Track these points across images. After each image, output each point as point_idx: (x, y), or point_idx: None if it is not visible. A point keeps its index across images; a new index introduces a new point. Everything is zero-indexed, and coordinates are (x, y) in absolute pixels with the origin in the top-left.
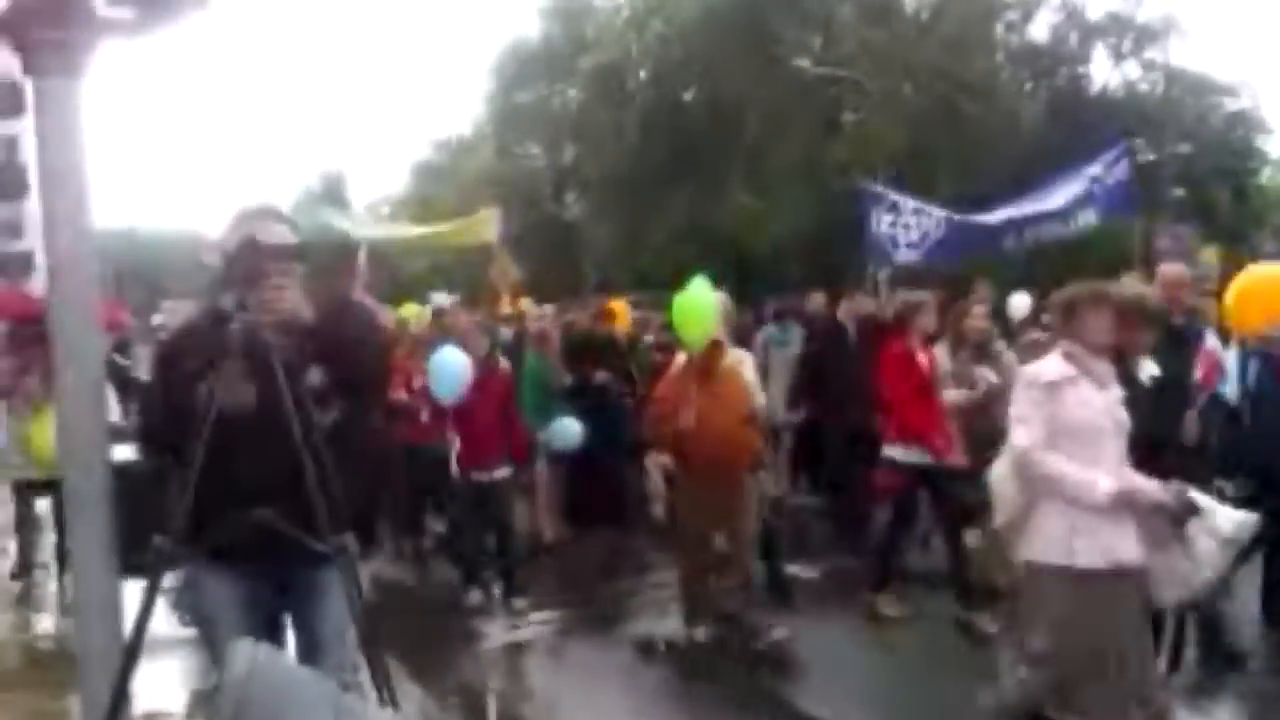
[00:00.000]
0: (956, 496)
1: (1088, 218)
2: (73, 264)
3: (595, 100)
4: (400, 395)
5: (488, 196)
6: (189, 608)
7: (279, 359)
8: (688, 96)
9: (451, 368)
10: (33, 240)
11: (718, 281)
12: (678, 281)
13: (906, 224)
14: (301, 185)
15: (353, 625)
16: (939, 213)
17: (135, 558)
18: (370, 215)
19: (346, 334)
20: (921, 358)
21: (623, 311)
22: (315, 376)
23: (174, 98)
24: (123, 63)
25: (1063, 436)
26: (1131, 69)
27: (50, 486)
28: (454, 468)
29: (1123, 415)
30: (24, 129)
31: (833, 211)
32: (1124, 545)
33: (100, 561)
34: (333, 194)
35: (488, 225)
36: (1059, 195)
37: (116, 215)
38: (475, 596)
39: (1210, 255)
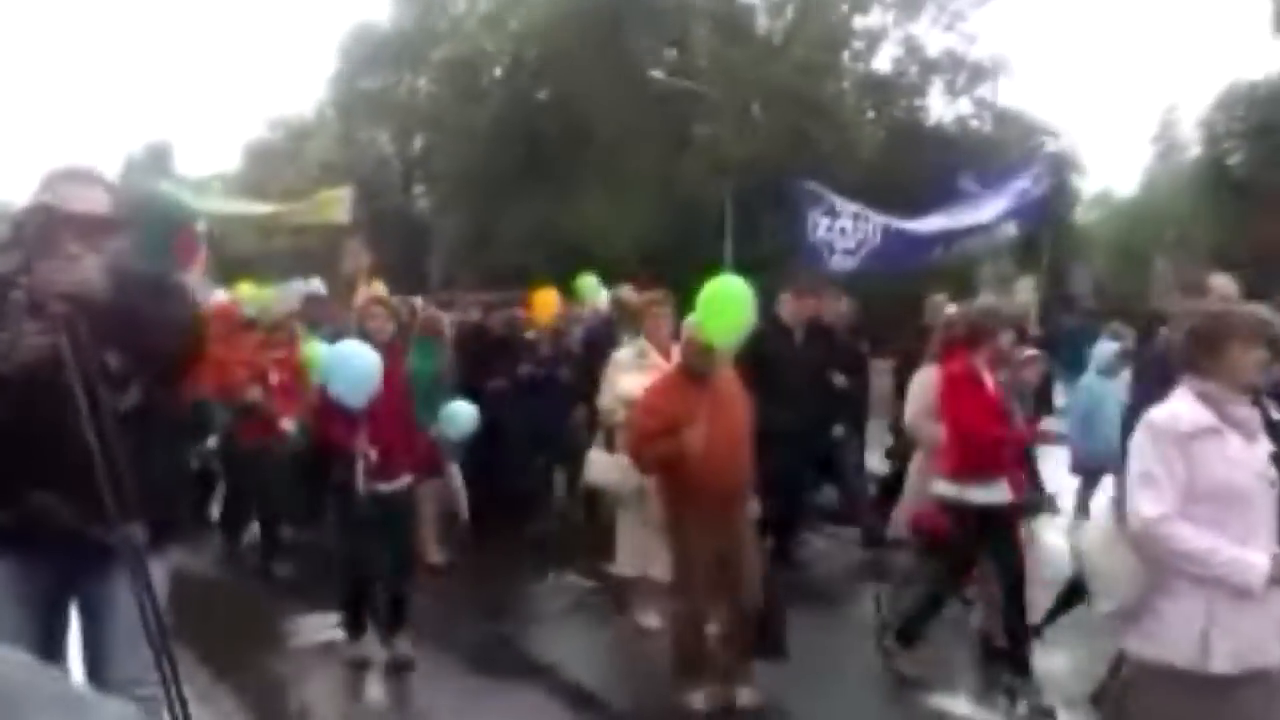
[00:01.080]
0: (1020, 547)
1: (1009, 230)
2: None
3: (447, 93)
4: (253, 392)
5: (330, 182)
6: None
7: (66, 333)
8: (542, 96)
9: (360, 365)
10: None
11: (565, 285)
12: (524, 281)
13: (843, 228)
14: (124, 153)
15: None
16: (878, 219)
17: None
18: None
19: (143, 311)
20: (988, 378)
21: (550, 303)
22: (114, 358)
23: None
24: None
25: (1202, 502)
26: (965, 105)
27: None
28: (360, 479)
29: (1274, 474)
30: None
31: (683, 222)
32: (1271, 645)
33: None
34: (159, 165)
35: (338, 205)
36: (988, 208)
37: None
38: (355, 643)
39: (1026, 287)
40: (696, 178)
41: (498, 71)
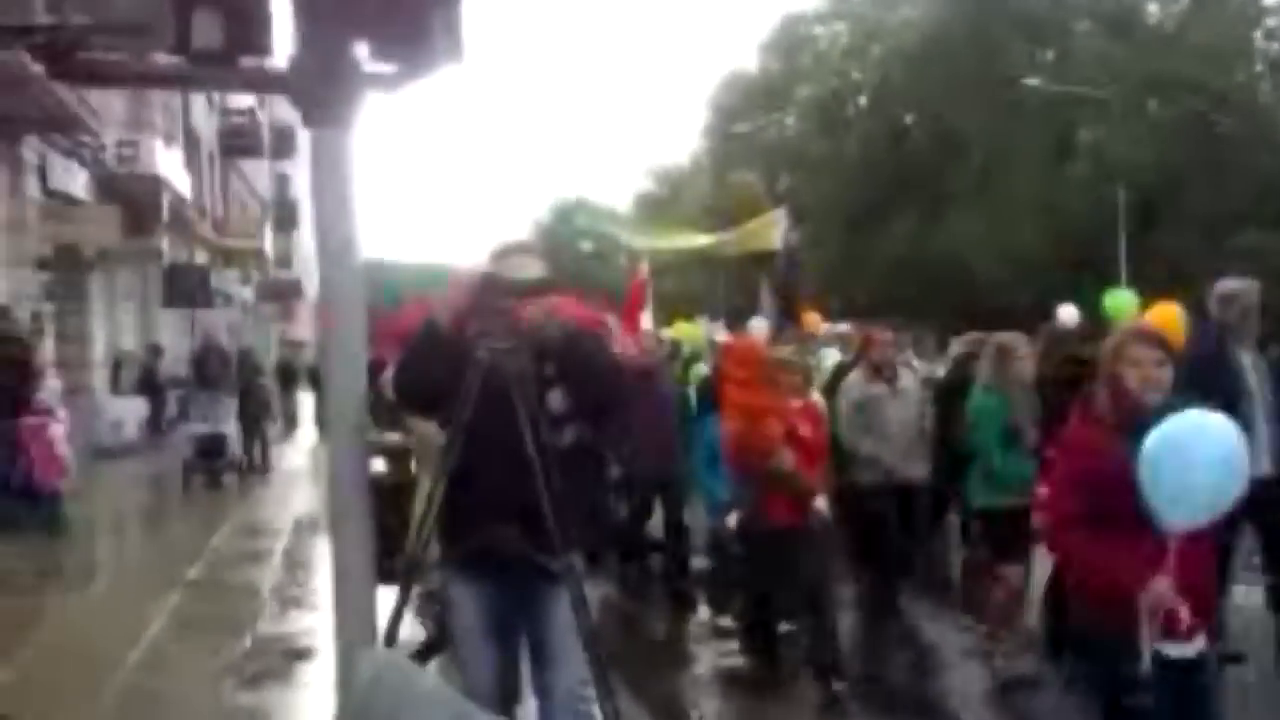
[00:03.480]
0: None
1: None
2: (342, 294)
3: (813, 129)
4: (784, 458)
5: (707, 226)
6: (434, 615)
7: (516, 383)
8: (908, 121)
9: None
10: (299, 269)
11: (938, 311)
12: (892, 311)
13: None
14: (532, 217)
15: (580, 642)
16: None
17: (386, 565)
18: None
19: (585, 358)
20: None
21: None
22: (556, 400)
23: (413, 136)
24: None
25: None
26: None
27: None
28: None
29: None
30: (295, 169)
31: (1069, 236)
32: None
33: (360, 569)
34: (568, 222)
35: (774, 230)
36: None
37: (372, 247)
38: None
39: None
40: (1083, 187)
41: (862, 101)
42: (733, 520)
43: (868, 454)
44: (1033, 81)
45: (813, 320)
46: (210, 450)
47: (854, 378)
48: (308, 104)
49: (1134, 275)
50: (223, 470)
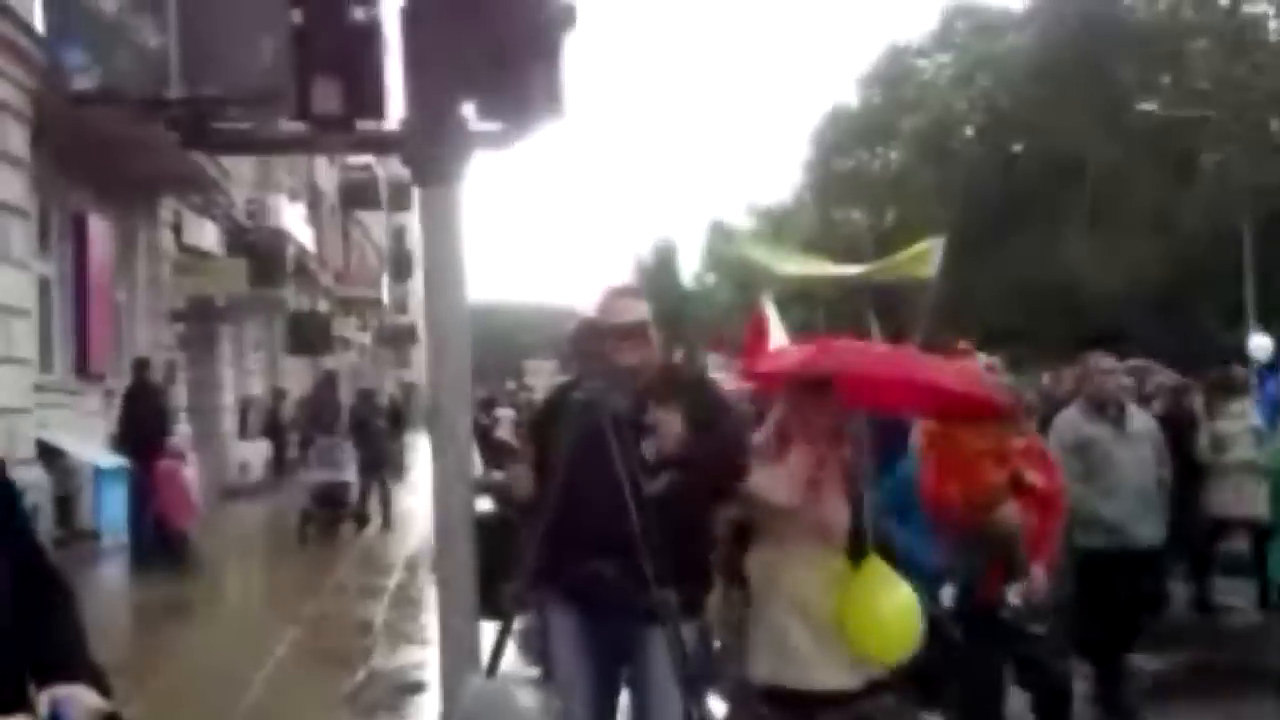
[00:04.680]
0: None
1: None
2: (452, 341)
3: (917, 160)
4: (1008, 512)
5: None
6: (536, 650)
7: (611, 427)
8: (1017, 149)
9: None
10: (415, 315)
11: (1050, 338)
12: (1003, 341)
13: None
14: (634, 256)
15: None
16: None
17: (490, 600)
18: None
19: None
20: None
21: None
22: (648, 448)
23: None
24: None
25: None
26: None
27: None
28: None
29: None
30: (410, 220)
31: (1191, 261)
32: None
33: (464, 604)
34: (665, 264)
35: (928, 259)
36: None
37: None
38: None
39: None
40: (1204, 211)
41: (969, 131)
42: (948, 596)
43: (1089, 512)
44: (1148, 106)
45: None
46: (329, 499)
47: (1069, 414)
48: (418, 163)
49: (1260, 301)
50: (341, 520)
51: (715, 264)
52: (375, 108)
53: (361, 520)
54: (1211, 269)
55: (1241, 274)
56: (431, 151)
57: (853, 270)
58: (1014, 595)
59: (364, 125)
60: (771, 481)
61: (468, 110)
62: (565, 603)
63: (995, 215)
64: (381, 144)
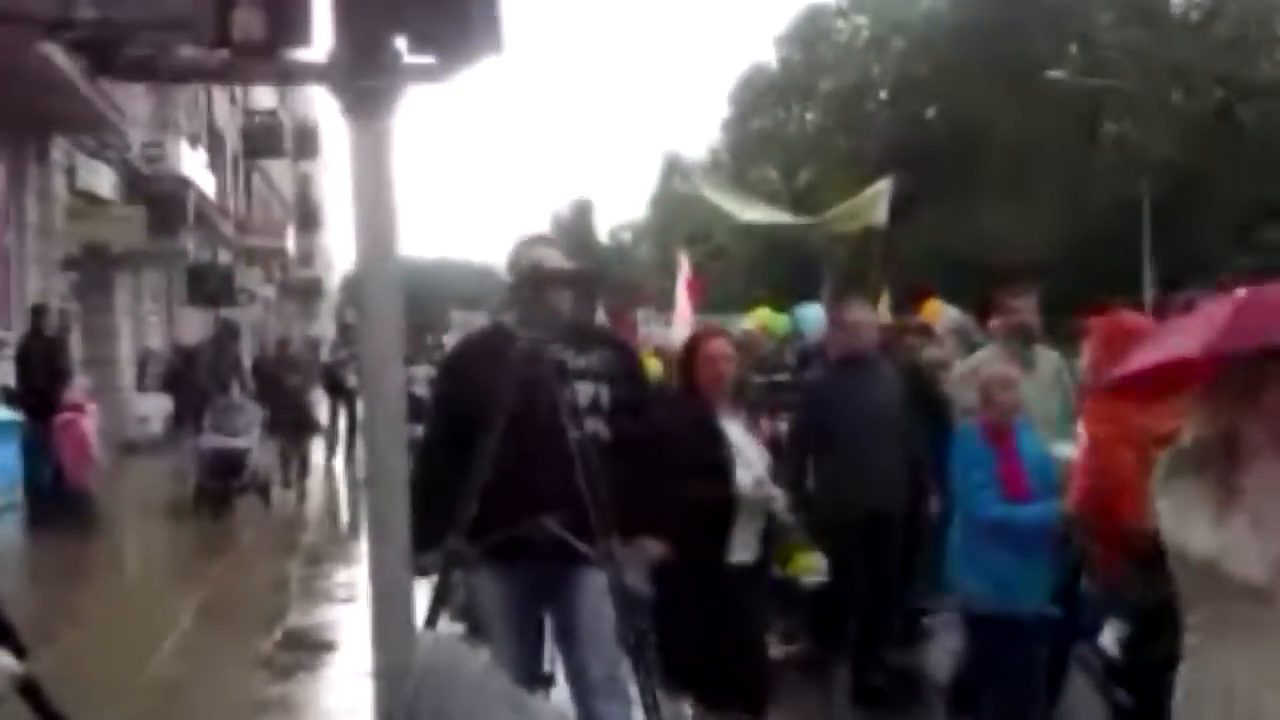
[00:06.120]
0: None
1: None
2: (380, 293)
3: (834, 123)
4: None
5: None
6: (461, 606)
7: (557, 374)
8: (930, 115)
9: None
10: (320, 269)
11: (964, 304)
12: (919, 305)
13: None
14: (551, 213)
15: (616, 629)
16: None
17: (421, 559)
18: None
19: (629, 357)
20: None
21: None
22: (587, 392)
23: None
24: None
25: None
26: None
27: None
28: None
29: None
30: (317, 169)
31: (1093, 227)
32: None
33: (397, 559)
34: (582, 221)
35: (879, 203)
36: None
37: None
38: None
39: None
40: (1107, 180)
41: (882, 95)
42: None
43: None
44: (1057, 74)
45: (934, 308)
46: (223, 468)
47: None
48: (348, 94)
49: (1156, 268)
50: (236, 494)
51: (663, 199)
52: (301, 35)
53: (265, 493)
54: (1113, 235)
55: (1139, 241)
56: (363, 81)
57: (805, 221)
58: None
59: (287, 55)
60: (1231, 542)
61: (400, 43)
62: (491, 558)
63: (908, 182)
64: (307, 74)
